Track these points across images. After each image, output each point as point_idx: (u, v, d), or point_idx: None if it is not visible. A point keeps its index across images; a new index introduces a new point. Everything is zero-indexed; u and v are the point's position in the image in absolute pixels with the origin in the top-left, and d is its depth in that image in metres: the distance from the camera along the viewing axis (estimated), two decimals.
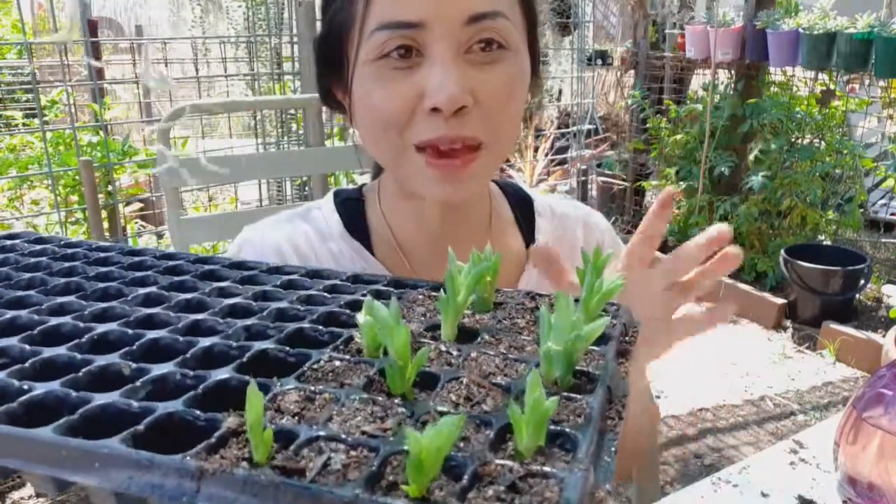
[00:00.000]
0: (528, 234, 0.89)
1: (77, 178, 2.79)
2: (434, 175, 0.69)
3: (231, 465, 0.30)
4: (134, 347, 0.42)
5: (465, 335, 0.44)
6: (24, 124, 4.13)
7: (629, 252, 0.70)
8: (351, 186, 0.92)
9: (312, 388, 0.36)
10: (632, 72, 4.72)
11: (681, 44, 4.11)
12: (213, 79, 3.65)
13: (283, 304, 0.49)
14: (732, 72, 3.90)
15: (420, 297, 0.51)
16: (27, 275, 0.55)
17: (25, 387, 0.37)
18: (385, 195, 0.84)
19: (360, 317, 0.41)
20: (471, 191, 0.73)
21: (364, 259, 0.81)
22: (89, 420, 0.34)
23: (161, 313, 0.47)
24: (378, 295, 0.51)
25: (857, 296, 3.34)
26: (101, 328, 0.44)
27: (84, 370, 0.39)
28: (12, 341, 0.42)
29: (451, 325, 0.44)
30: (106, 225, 2.66)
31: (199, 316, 0.46)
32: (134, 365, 0.39)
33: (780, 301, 3.39)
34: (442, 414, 0.34)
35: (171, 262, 0.58)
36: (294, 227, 0.84)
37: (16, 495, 2.24)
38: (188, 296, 0.50)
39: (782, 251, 3.33)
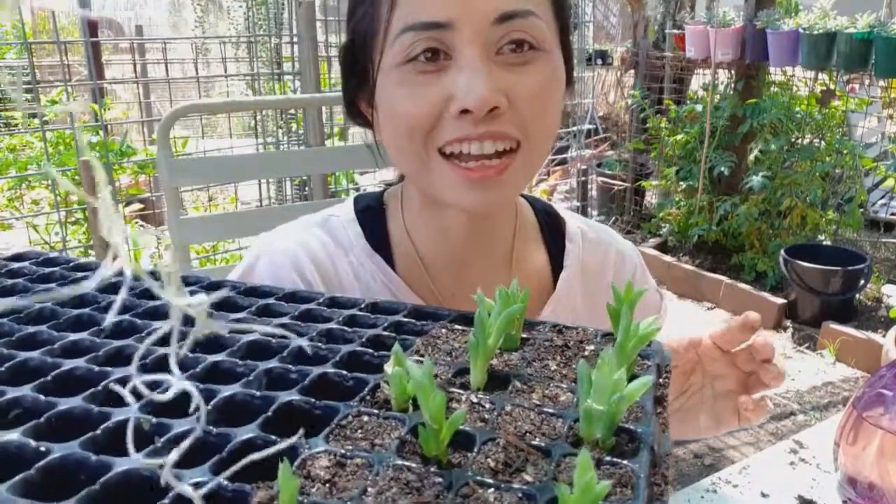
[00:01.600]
0: (556, 254, 0.85)
1: (77, 178, 2.79)
2: (464, 181, 0.66)
3: None
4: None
5: (495, 381, 0.42)
6: (28, 116, 4.13)
7: (700, 347, 0.79)
8: (350, 191, 0.90)
9: (343, 451, 0.34)
10: (632, 72, 4.73)
11: (680, 43, 4.11)
12: (213, 79, 3.66)
13: (303, 343, 0.46)
14: (732, 72, 3.90)
15: (443, 331, 0.49)
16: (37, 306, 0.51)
17: (43, 448, 0.34)
18: (408, 205, 0.80)
19: (388, 367, 0.40)
20: (503, 200, 0.70)
21: (385, 275, 0.77)
22: (110, 491, 0.32)
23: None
24: (399, 328, 0.50)
25: (857, 296, 3.34)
26: (116, 373, 0.41)
27: (102, 427, 0.36)
28: (25, 390, 0.39)
29: (480, 371, 0.42)
30: None
31: (217, 357, 0.44)
32: (154, 420, 0.36)
33: (780, 301, 3.39)
34: (483, 486, 0.32)
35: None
36: (313, 237, 0.79)
37: None
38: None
39: (782, 251, 3.33)
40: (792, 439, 0.94)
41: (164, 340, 0.45)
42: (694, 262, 3.90)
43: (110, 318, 0.48)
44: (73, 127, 2.57)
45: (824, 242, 3.65)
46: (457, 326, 0.50)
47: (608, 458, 0.35)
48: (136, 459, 0.33)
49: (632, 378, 0.41)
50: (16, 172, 2.93)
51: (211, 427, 0.36)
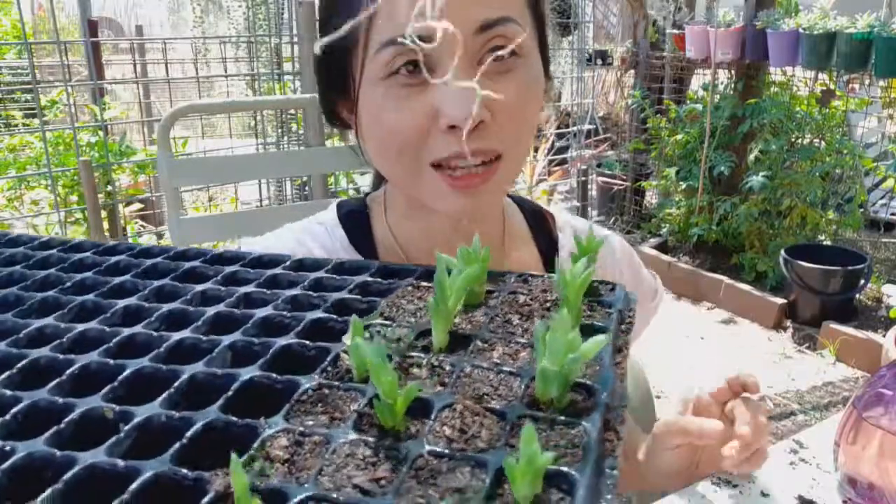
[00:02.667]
0: (547, 251, 0.86)
1: (76, 178, 2.79)
2: (450, 189, 0.67)
3: None
4: (116, 383, 0.39)
5: (457, 341, 0.43)
6: (23, 124, 4.13)
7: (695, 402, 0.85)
8: (349, 191, 0.91)
9: (301, 428, 0.35)
10: (632, 72, 4.73)
11: (680, 43, 4.11)
12: (213, 79, 3.66)
13: (268, 312, 0.47)
14: (732, 72, 3.90)
15: (410, 289, 0.50)
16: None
17: (7, 448, 0.34)
18: (392, 208, 0.81)
19: (347, 339, 0.40)
20: (488, 202, 0.71)
21: None
22: (73, 487, 0.32)
23: (142, 333, 0.45)
24: (365, 289, 0.50)
25: (857, 296, 3.34)
26: (81, 360, 0.41)
27: (67, 420, 0.36)
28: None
29: (442, 332, 0.43)
30: (106, 225, 2.66)
31: (183, 334, 0.44)
32: (117, 408, 0.37)
33: (780, 301, 3.39)
34: (437, 456, 0.33)
35: (147, 261, 0.56)
36: (297, 243, 0.80)
37: None
38: (170, 306, 0.48)
39: (782, 251, 3.33)
40: (792, 439, 0.94)
41: (130, 317, 0.47)
42: (694, 262, 3.90)
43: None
44: (73, 127, 2.57)
45: (824, 242, 3.65)
46: (424, 283, 0.51)
47: (561, 419, 0.35)
48: (98, 452, 0.33)
49: (590, 329, 0.42)
50: (15, 172, 2.93)
51: (173, 412, 0.36)
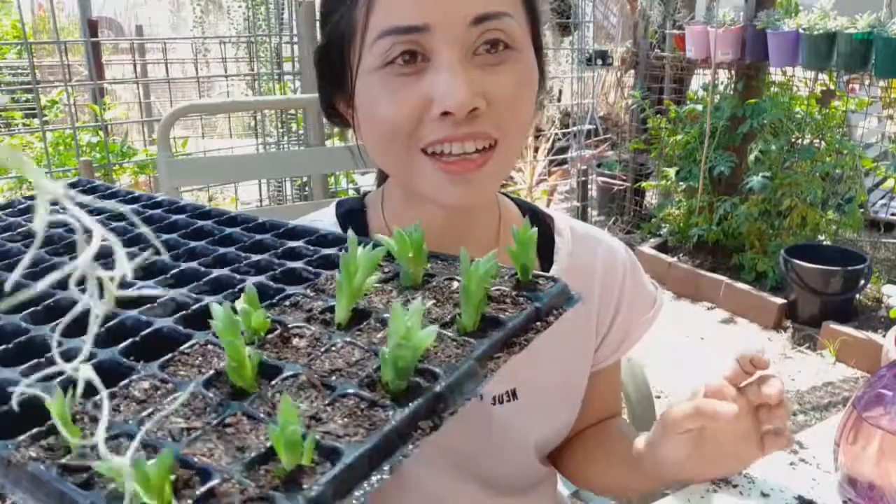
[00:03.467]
0: (544, 254, 0.86)
1: (76, 178, 2.79)
2: (445, 176, 0.68)
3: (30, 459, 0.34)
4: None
5: (357, 318, 0.46)
6: (24, 124, 4.13)
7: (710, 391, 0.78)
8: (353, 195, 0.92)
9: (165, 375, 0.40)
10: (632, 72, 4.73)
11: (680, 43, 4.11)
12: (213, 79, 3.66)
13: (223, 272, 0.52)
14: (732, 72, 3.90)
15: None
16: None
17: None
18: (389, 205, 0.82)
19: (238, 303, 0.43)
20: (483, 193, 0.71)
21: None
22: None
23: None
24: (326, 262, 0.54)
25: (857, 296, 3.34)
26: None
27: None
28: None
29: (344, 308, 0.45)
30: None
31: (147, 283, 0.51)
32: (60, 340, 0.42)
33: (780, 301, 3.39)
34: (249, 417, 0.36)
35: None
36: None
37: None
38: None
39: (782, 251, 3.33)
40: None
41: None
42: (694, 262, 3.90)
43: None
44: (73, 127, 2.57)
45: (824, 242, 3.65)
46: (381, 262, 0.54)
47: (377, 401, 0.37)
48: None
49: (492, 323, 0.45)
50: (16, 173, 2.93)
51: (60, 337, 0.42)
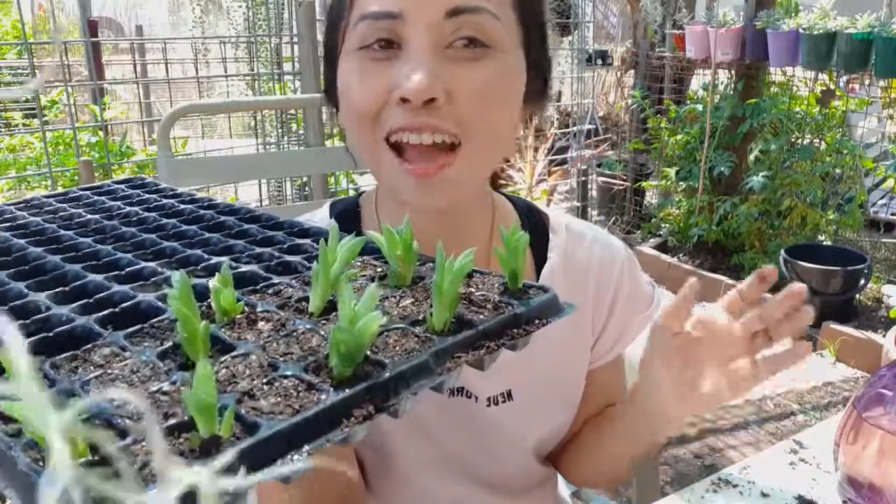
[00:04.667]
0: (539, 252, 0.85)
1: (76, 178, 2.79)
2: (410, 179, 0.68)
3: None
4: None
5: (330, 308, 0.46)
6: (24, 124, 4.13)
7: (722, 306, 0.73)
8: (349, 191, 0.92)
9: (125, 343, 0.42)
10: (632, 72, 4.72)
11: (680, 43, 4.11)
12: (213, 79, 3.66)
13: (221, 259, 0.54)
14: (732, 72, 3.90)
15: (359, 263, 0.55)
16: None
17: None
18: (383, 205, 0.82)
19: (211, 283, 0.45)
20: (450, 197, 0.70)
21: None
22: None
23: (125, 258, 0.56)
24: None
25: (857, 296, 3.34)
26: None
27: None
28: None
29: (319, 298, 0.45)
30: None
31: (146, 264, 0.53)
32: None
33: None
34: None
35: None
36: None
37: None
38: (167, 244, 0.58)
39: (782, 251, 3.33)
40: (792, 439, 0.94)
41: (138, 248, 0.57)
42: (694, 262, 3.90)
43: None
44: (73, 127, 2.57)
45: (824, 242, 3.65)
46: (375, 262, 0.55)
47: (299, 389, 0.37)
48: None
49: (465, 323, 0.44)
50: (15, 173, 2.93)
51: (74, 314, 0.46)
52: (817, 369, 3.07)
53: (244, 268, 0.53)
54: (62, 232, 0.62)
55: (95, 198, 0.72)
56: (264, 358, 0.40)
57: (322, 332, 0.43)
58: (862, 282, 3.25)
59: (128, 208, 0.68)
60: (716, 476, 0.86)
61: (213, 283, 0.45)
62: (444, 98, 0.64)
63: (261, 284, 0.50)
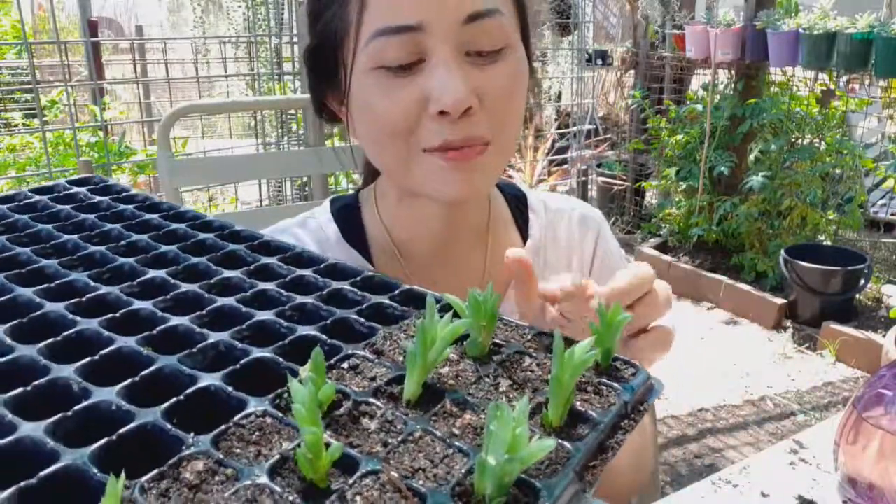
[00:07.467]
0: (525, 230, 0.88)
1: None
2: (448, 165, 0.67)
3: None
4: (99, 359, 0.41)
5: (430, 396, 0.40)
6: (24, 125, 4.13)
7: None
8: (349, 192, 0.92)
9: (221, 455, 0.34)
10: (632, 72, 4.72)
11: (680, 43, 4.11)
12: (213, 79, 3.66)
13: (268, 316, 0.46)
14: (732, 72, 3.90)
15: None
16: None
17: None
18: (383, 200, 0.83)
19: (303, 372, 0.39)
20: (480, 187, 0.71)
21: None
22: None
23: (146, 308, 0.46)
24: (376, 312, 0.49)
25: (857, 296, 3.34)
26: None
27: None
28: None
29: (416, 384, 0.39)
30: None
31: (181, 320, 0.45)
32: (81, 382, 0.38)
33: (780, 301, 3.39)
34: None
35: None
36: (293, 238, 0.81)
37: None
38: (188, 287, 0.49)
39: (782, 251, 3.33)
40: (792, 439, 0.94)
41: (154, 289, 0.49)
42: (694, 262, 3.90)
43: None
44: (73, 127, 2.57)
45: (824, 242, 3.65)
46: (383, 298, 0.50)
47: None
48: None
49: (578, 419, 0.39)
50: (15, 173, 2.93)
51: (122, 402, 0.37)
52: (817, 369, 3.07)
53: (302, 329, 0.45)
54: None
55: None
56: (399, 480, 0.33)
57: (440, 435, 0.36)
58: (862, 282, 3.25)
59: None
60: (716, 476, 0.86)
61: (305, 372, 0.38)
62: (478, 104, 0.65)
63: (333, 358, 0.42)
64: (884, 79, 3.27)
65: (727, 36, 3.62)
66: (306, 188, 3.04)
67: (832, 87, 3.76)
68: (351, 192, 0.91)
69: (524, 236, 0.88)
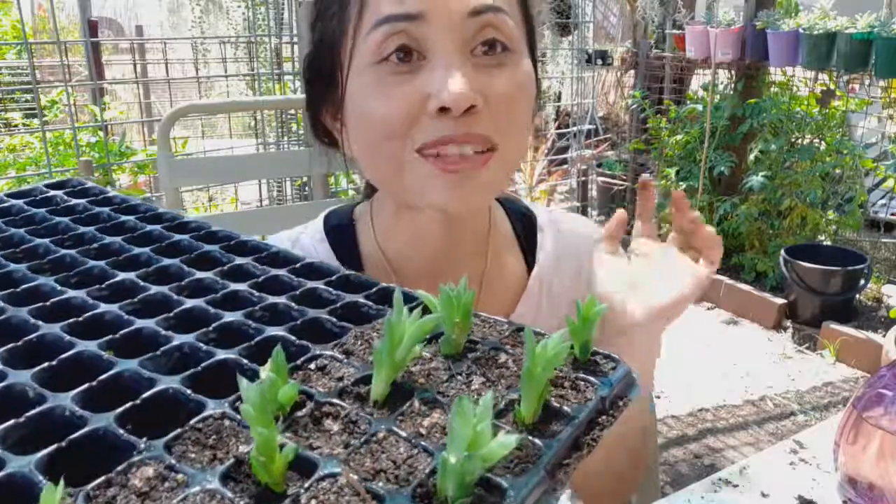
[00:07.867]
0: (530, 252, 0.85)
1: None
2: (443, 179, 0.64)
3: None
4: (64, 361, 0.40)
5: (398, 396, 0.38)
6: (24, 124, 4.13)
7: (639, 237, 0.82)
8: (349, 192, 0.90)
9: (174, 460, 0.32)
10: (632, 72, 4.73)
11: (680, 43, 4.11)
12: (213, 79, 3.66)
13: (236, 317, 0.45)
14: (732, 72, 3.90)
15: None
16: None
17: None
18: (379, 216, 0.79)
19: (263, 372, 0.38)
20: (479, 201, 0.69)
21: None
22: None
23: (111, 311, 0.45)
24: (350, 311, 0.47)
25: (857, 296, 3.34)
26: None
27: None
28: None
29: (382, 382, 0.38)
30: None
31: (146, 323, 0.44)
32: (37, 391, 0.37)
33: (780, 301, 3.39)
34: None
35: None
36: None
37: None
38: (158, 289, 0.48)
39: (782, 251, 3.33)
40: (792, 439, 0.94)
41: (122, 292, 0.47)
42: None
43: None
44: (73, 127, 2.57)
45: (824, 242, 3.65)
46: (366, 300, 0.48)
47: None
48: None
49: (554, 415, 0.37)
50: (15, 173, 2.93)
51: (76, 408, 0.35)
52: (817, 369, 3.07)
53: (270, 329, 0.43)
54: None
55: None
56: (358, 483, 0.32)
57: (405, 435, 0.35)
58: (862, 282, 3.25)
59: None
60: (716, 476, 0.86)
61: (264, 371, 0.37)
62: (482, 104, 0.62)
63: (301, 358, 0.41)
64: (884, 79, 3.27)
65: (727, 36, 3.62)
66: (306, 188, 3.04)
67: (832, 87, 3.76)
68: (352, 192, 0.90)
69: (527, 256, 0.84)
